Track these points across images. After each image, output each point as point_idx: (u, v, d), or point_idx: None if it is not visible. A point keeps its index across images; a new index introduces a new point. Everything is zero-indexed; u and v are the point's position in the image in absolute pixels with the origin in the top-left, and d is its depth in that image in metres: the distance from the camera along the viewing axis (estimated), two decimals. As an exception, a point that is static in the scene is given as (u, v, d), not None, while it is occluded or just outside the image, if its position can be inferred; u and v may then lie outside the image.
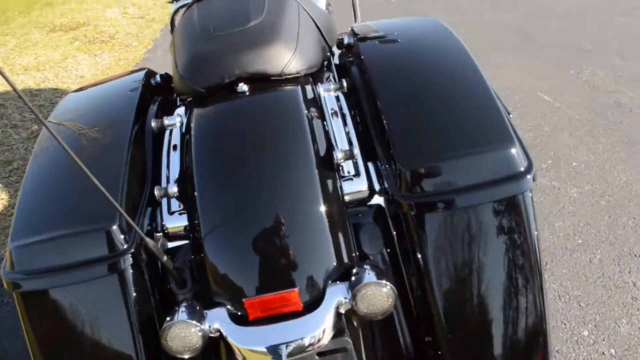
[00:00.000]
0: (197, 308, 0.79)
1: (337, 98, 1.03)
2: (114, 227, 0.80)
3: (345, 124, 0.97)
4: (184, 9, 1.30)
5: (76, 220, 0.83)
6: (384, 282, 0.76)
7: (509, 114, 0.92)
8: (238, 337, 0.76)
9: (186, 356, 0.76)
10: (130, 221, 0.73)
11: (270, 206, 0.81)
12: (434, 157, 0.83)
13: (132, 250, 0.80)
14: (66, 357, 0.82)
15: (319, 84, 1.04)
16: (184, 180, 0.90)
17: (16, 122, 2.86)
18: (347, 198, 0.88)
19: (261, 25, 1.02)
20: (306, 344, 0.75)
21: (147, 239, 0.76)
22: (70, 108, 1.11)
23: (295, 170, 0.84)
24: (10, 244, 0.82)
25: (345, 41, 1.14)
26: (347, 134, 0.95)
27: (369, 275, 0.77)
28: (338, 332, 0.78)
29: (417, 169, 0.82)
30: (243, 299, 0.77)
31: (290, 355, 0.74)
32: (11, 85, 0.55)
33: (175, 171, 0.94)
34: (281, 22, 1.05)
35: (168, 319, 0.76)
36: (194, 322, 0.75)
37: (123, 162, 0.90)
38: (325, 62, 1.24)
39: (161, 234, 0.89)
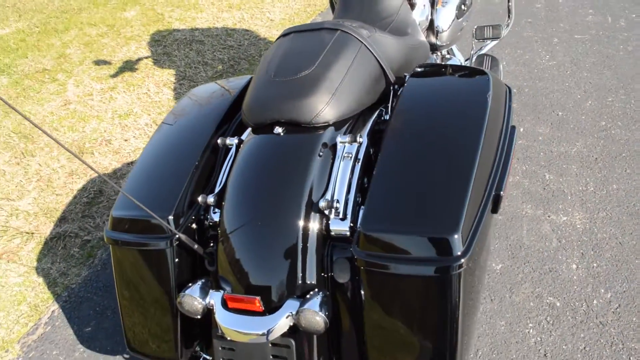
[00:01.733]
0: (206, 286, 1.12)
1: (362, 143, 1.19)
2: (170, 217, 1.15)
3: (352, 171, 1.15)
4: None
5: (150, 204, 1.20)
6: (321, 313, 1.00)
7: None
8: (220, 316, 1.08)
9: (194, 317, 1.12)
10: (160, 220, 1.08)
11: (261, 230, 1.09)
12: (387, 226, 0.99)
13: (177, 237, 1.14)
14: None
15: (339, 135, 1.18)
16: (222, 192, 1.21)
17: (207, 60, 3.46)
18: (333, 234, 1.11)
19: (307, 77, 1.19)
20: (260, 335, 1.04)
21: (179, 234, 1.10)
22: (183, 105, 1.47)
23: (286, 206, 1.09)
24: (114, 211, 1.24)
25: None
26: (350, 181, 1.14)
27: (313, 302, 1.02)
28: (288, 332, 1.06)
29: (370, 232, 1.00)
30: (225, 293, 1.08)
31: (237, 339, 1.06)
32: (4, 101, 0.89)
33: (219, 184, 1.25)
34: (326, 74, 1.19)
35: (184, 290, 1.11)
36: (197, 296, 1.09)
37: (192, 166, 1.24)
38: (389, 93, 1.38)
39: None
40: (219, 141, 1.28)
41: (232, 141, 1.27)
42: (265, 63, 1.29)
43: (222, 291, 1.11)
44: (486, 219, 1.06)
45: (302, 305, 1.02)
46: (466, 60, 2.37)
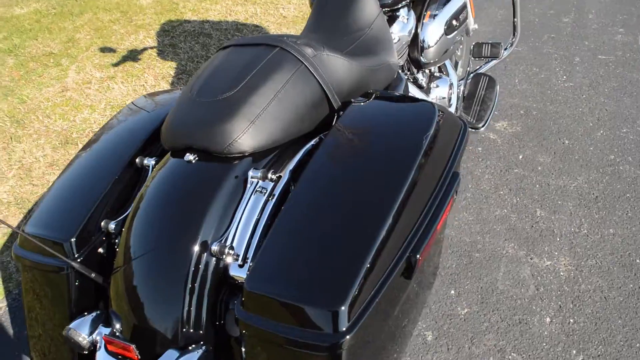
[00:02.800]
0: (98, 320, 1.03)
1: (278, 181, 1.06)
2: (72, 239, 1.06)
3: (262, 210, 1.03)
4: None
5: (55, 225, 1.11)
6: None
7: None
8: (100, 357, 0.99)
9: (81, 352, 1.02)
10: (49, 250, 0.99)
11: (151, 267, 0.98)
12: (272, 288, 0.86)
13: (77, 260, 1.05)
14: None
15: (251, 169, 1.05)
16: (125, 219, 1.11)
17: (210, 55, 3.37)
18: (231, 280, 0.99)
19: (227, 99, 1.07)
20: None
21: (70, 261, 1.01)
22: (117, 118, 1.37)
23: (180, 244, 0.97)
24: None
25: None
26: (258, 221, 1.02)
27: (189, 358, 0.91)
28: None
29: (255, 291, 0.88)
30: (103, 335, 0.98)
31: None
32: None
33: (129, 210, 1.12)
34: (249, 97, 1.06)
35: (74, 321, 1.02)
36: (83, 331, 1.00)
37: (106, 187, 1.14)
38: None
39: None
40: (137, 160, 1.17)
41: (149, 162, 1.16)
42: (193, 80, 1.17)
43: (109, 328, 1.01)
44: (395, 286, 0.92)
45: (179, 359, 0.91)
46: (460, 80, 2.20)
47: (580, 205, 2.07)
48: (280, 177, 1.05)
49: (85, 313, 1.05)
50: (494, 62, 2.35)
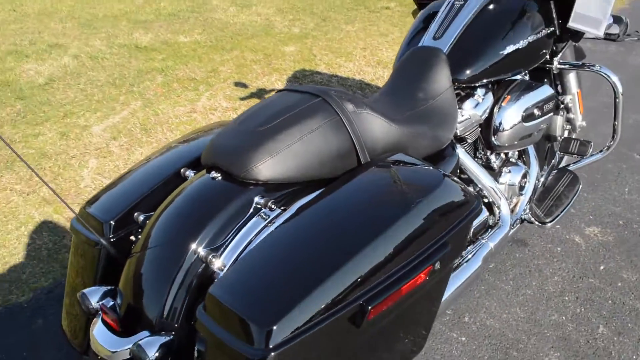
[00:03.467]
0: (109, 293, 1.18)
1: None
2: (111, 222, 1.23)
3: (259, 234, 1.12)
4: None
5: (103, 207, 1.30)
6: (147, 351, 0.99)
7: None
8: (95, 323, 1.13)
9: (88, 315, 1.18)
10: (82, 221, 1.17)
11: (153, 259, 1.11)
12: (228, 298, 0.93)
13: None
14: None
15: (258, 196, 1.15)
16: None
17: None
18: None
19: (259, 132, 1.20)
20: (106, 351, 1.06)
21: (101, 239, 1.19)
22: (190, 133, 1.56)
23: (180, 246, 1.09)
24: None
25: None
26: (250, 242, 1.10)
27: (151, 341, 1.01)
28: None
29: (215, 296, 0.95)
30: (101, 304, 1.12)
31: (96, 350, 1.08)
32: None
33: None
34: (277, 135, 1.17)
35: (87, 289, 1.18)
36: (92, 297, 1.15)
37: (152, 186, 1.31)
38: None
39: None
40: (181, 170, 1.34)
41: (190, 173, 1.32)
42: (244, 112, 1.32)
43: (112, 302, 1.15)
44: (340, 329, 0.95)
45: (146, 338, 1.02)
46: (542, 171, 2.12)
47: (654, 334, 1.85)
48: (285, 209, 1.14)
49: (102, 284, 1.20)
50: (588, 161, 2.23)
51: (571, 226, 2.38)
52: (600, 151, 2.20)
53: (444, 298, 1.51)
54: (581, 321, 1.90)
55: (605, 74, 2.03)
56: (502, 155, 1.92)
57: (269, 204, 1.14)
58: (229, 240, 1.11)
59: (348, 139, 1.26)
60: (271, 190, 1.18)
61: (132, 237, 1.27)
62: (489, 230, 1.78)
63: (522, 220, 1.96)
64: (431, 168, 1.26)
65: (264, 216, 1.14)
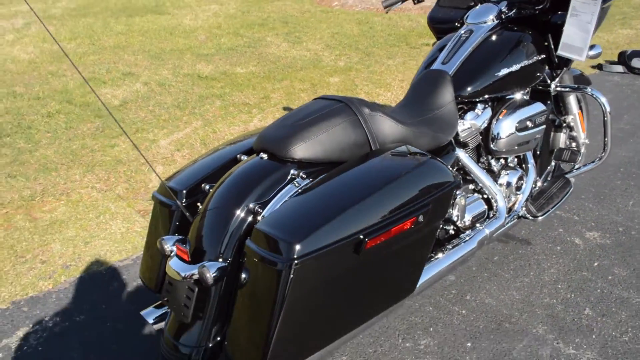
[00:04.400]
0: (182, 240, 1.60)
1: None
2: (183, 190, 1.67)
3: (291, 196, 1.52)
4: None
5: (181, 179, 1.75)
6: (211, 271, 1.38)
7: None
8: (171, 259, 1.54)
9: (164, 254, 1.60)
10: (168, 188, 1.61)
11: (213, 215, 1.52)
12: (270, 229, 1.33)
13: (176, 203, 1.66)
14: None
15: (294, 169, 1.54)
16: None
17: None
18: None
19: (295, 125, 1.62)
20: (180, 276, 1.47)
21: (178, 202, 1.62)
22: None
23: (233, 203, 1.51)
24: None
25: None
26: (285, 202, 1.51)
27: (214, 264, 1.41)
28: (199, 281, 1.45)
29: (260, 229, 1.35)
30: (176, 243, 1.54)
31: (172, 276, 1.49)
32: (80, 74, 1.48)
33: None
34: (309, 127, 1.58)
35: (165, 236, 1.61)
36: (169, 242, 1.56)
37: (219, 164, 1.75)
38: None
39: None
40: (238, 156, 1.77)
41: (244, 157, 1.75)
42: (287, 113, 1.75)
43: (183, 245, 1.57)
44: (346, 256, 1.34)
45: (206, 263, 1.43)
46: (539, 176, 2.44)
47: (636, 317, 2.11)
48: (313, 180, 1.55)
49: (176, 234, 1.63)
50: (582, 170, 2.54)
51: (573, 230, 2.67)
52: (592, 162, 2.50)
53: (442, 267, 1.87)
54: (570, 304, 2.19)
55: (595, 95, 2.37)
56: (502, 160, 2.27)
57: (301, 174, 1.55)
58: (271, 199, 1.52)
59: (363, 133, 1.66)
60: (304, 166, 1.58)
61: (199, 204, 1.70)
62: (487, 220, 2.13)
63: (520, 217, 2.29)
64: (422, 153, 1.64)
65: (296, 184, 1.55)
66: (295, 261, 1.26)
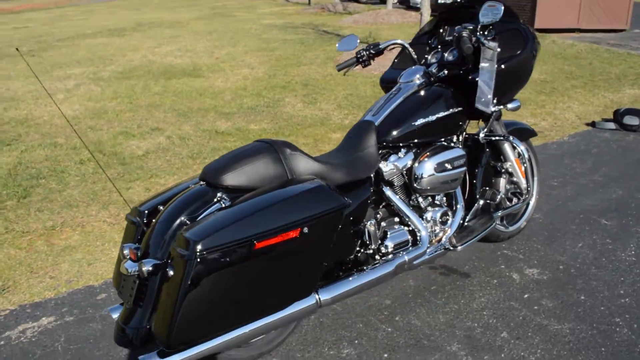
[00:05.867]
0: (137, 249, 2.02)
1: None
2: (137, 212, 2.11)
3: None
4: None
5: None
6: (147, 265, 1.78)
7: None
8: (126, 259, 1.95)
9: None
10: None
11: (155, 228, 1.94)
12: (187, 233, 1.74)
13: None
14: None
15: (222, 193, 1.99)
16: None
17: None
18: None
19: (228, 158, 2.04)
20: (127, 271, 1.87)
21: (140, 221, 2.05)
22: None
23: (171, 220, 1.92)
24: None
25: None
26: None
27: (150, 261, 1.81)
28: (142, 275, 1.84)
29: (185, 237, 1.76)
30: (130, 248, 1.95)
31: (124, 272, 1.89)
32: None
33: None
34: (237, 161, 1.98)
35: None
36: (128, 247, 1.98)
37: None
38: None
39: None
40: (190, 185, 2.19)
41: (192, 186, 2.17)
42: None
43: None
44: (238, 248, 1.72)
45: (146, 259, 1.83)
46: (465, 213, 2.74)
47: (547, 342, 2.33)
48: (234, 200, 1.95)
49: (136, 244, 2.04)
50: (508, 210, 2.84)
51: (514, 267, 2.92)
52: (516, 204, 2.81)
53: (358, 284, 2.20)
54: (489, 328, 2.44)
55: (515, 143, 2.70)
56: (430, 198, 2.60)
57: (224, 196, 1.96)
58: (199, 215, 1.93)
59: (282, 167, 2.06)
60: (230, 191, 1.99)
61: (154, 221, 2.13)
62: (409, 248, 2.45)
63: (446, 249, 2.58)
64: (317, 180, 2.02)
65: (222, 204, 1.96)
66: (197, 254, 1.66)
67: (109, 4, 32.48)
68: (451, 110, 2.55)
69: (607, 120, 5.35)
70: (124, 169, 4.71)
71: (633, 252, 3.03)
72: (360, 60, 2.81)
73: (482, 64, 2.45)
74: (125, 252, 1.94)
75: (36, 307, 2.79)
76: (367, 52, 2.80)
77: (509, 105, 2.70)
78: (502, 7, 2.37)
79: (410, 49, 2.74)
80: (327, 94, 7.09)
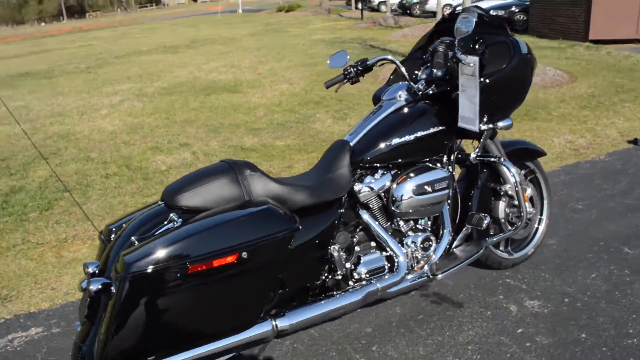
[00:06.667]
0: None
1: None
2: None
3: None
4: None
5: None
6: (95, 284, 1.77)
7: None
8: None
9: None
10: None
11: (112, 248, 1.93)
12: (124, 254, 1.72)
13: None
14: None
15: (175, 214, 1.95)
16: None
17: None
18: None
19: (186, 180, 2.01)
20: (82, 289, 1.87)
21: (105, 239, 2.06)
22: None
23: (125, 239, 1.91)
24: None
25: None
26: None
27: (98, 280, 1.79)
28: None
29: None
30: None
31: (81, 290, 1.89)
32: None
33: None
34: (193, 182, 1.95)
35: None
36: (90, 265, 1.99)
37: None
38: None
39: None
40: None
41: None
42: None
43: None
44: (171, 271, 1.67)
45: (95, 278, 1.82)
46: (452, 239, 2.56)
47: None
48: (186, 220, 1.91)
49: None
50: (499, 237, 2.65)
51: (513, 298, 2.72)
52: (507, 232, 2.62)
53: (323, 310, 2.10)
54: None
55: (506, 165, 2.53)
56: (412, 222, 2.46)
57: (173, 216, 1.92)
58: (151, 235, 1.91)
59: (239, 188, 2.00)
60: (185, 212, 1.95)
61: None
62: (384, 275, 2.32)
63: (428, 277, 2.42)
64: (267, 203, 1.94)
65: (174, 224, 1.92)
66: (130, 276, 1.63)
67: (171, 21, 33.84)
68: (433, 129, 2.41)
69: (651, 138, 4.96)
70: (144, 183, 4.80)
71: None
72: (348, 77, 2.72)
73: (462, 80, 2.30)
74: (86, 269, 1.95)
75: (29, 318, 2.86)
76: (355, 69, 2.71)
77: (500, 124, 2.53)
78: (474, 19, 2.22)
79: (399, 65, 2.62)
80: (360, 109, 7.00)
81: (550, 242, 3.24)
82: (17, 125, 7.38)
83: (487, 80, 2.36)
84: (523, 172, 2.98)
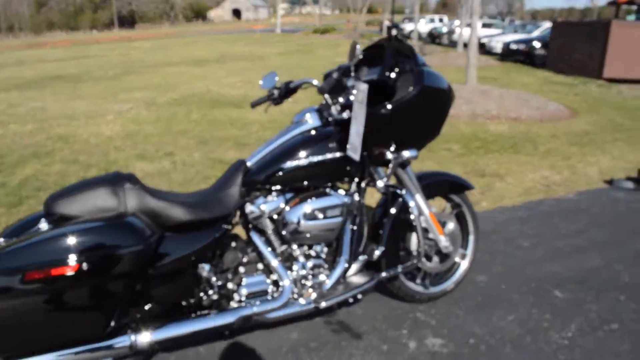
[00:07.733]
0: None
1: None
2: None
3: None
4: None
5: None
6: None
7: None
8: None
9: None
10: None
11: None
12: None
13: None
14: None
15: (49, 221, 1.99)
16: None
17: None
18: None
19: (69, 190, 2.03)
20: None
21: None
22: None
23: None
24: None
25: None
26: None
27: None
28: None
29: None
30: None
31: None
32: None
33: None
34: (77, 190, 1.98)
35: None
36: None
37: None
38: None
39: None
40: None
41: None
42: None
43: None
44: (11, 277, 1.71)
45: None
46: (347, 267, 2.51)
47: None
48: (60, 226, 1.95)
49: None
50: (391, 273, 2.60)
51: (416, 334, 2.63)
52: (406, 265, 2.58)
53: (189, 329, 2.09)
54: None
55: (406, 199, 2.49)
56: (305, 247, 2.43)
57: (45, 223, 1.97)
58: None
59: (117, 200, 2.02)
60: (59, 219, 1.97)
61: None
62: (266, 299, 2.29)
63: (315, 306, 2.37)
64: (125, 217, 1.95)
65: (39, 229, 1.97)
66: None
67: (212, 36, 34.74)
68: (330, 155, 2.39)
69: (628, 179, 4.77)
70: (115, 189, 4.90)
71: (570, 335, 2.62)
72: (270, 98, 2.74)
73: (354, 107, 2.29)
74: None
75: None
76: (278, 91, 2.72)
77: (405, 154, 2.49)
78: (358, 46, 2.26)
79: (320, 90, 2.63)
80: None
81: (479, 279, 3.14)
82: (26, 125, 7.70)
83: (389, 107, 2.34)
84: (448, 205, 2.92)
